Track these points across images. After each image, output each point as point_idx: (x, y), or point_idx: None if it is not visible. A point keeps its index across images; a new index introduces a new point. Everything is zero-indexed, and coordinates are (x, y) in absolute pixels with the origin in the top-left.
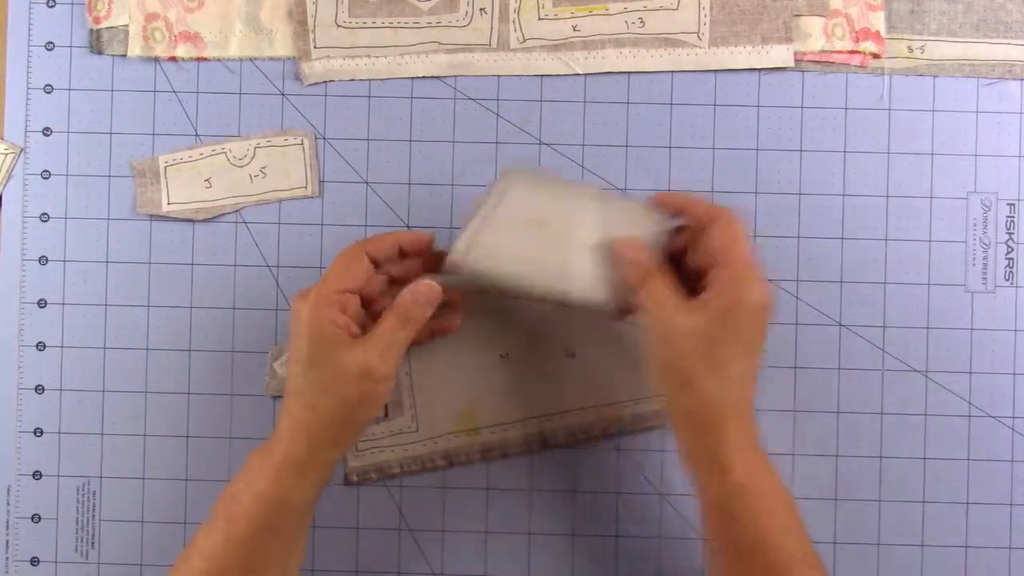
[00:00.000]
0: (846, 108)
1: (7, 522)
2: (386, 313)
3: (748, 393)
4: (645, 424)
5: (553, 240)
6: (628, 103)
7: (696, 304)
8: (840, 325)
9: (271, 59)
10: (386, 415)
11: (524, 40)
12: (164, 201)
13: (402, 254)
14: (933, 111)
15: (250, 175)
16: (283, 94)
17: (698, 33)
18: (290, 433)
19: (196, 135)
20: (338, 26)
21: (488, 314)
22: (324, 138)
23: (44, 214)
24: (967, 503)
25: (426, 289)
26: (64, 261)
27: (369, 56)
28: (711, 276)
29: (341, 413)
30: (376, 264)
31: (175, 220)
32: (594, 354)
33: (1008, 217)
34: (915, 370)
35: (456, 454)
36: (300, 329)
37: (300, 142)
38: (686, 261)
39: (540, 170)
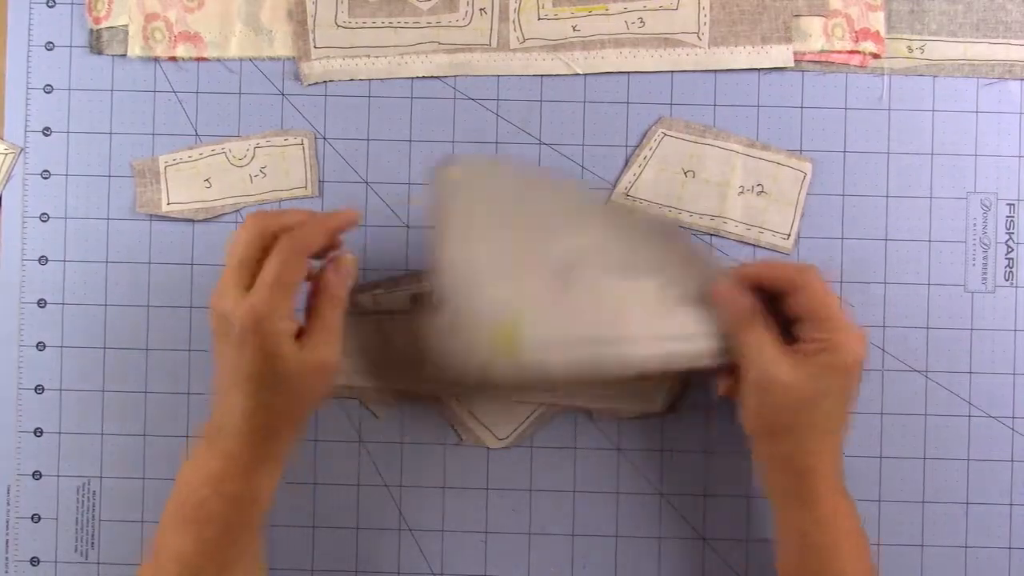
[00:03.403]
0: (846, 108)
1: (7, 522)
2: (320, 302)
3: (840, 439)
4: (700, 363)
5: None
6: (628, 103)
7: (798, 357)
8: None
9: (271, 59)
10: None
11: (524, 40)
12: (164, 201)
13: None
14: (933, 111)
15: (250, 175)
16: (283, 94)
17: (698, 33)
18: (248, 429)
19: (196, 135)
20: (338, 26)
21: (545, 228)
22: (324, 138)
23: (44, 214)
24: (967, 503)
25: (351, 266)
26: (64, 261)
27: (369, 56)
28: (808, 330)
29: (299, 408)
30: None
31: (175, 220)
32: (652, 283)
33: (1008, 217)
34: (915, 370)
35: (492, 369)
36: (244, 350)
37: (300, 142)
38: (778, 306)
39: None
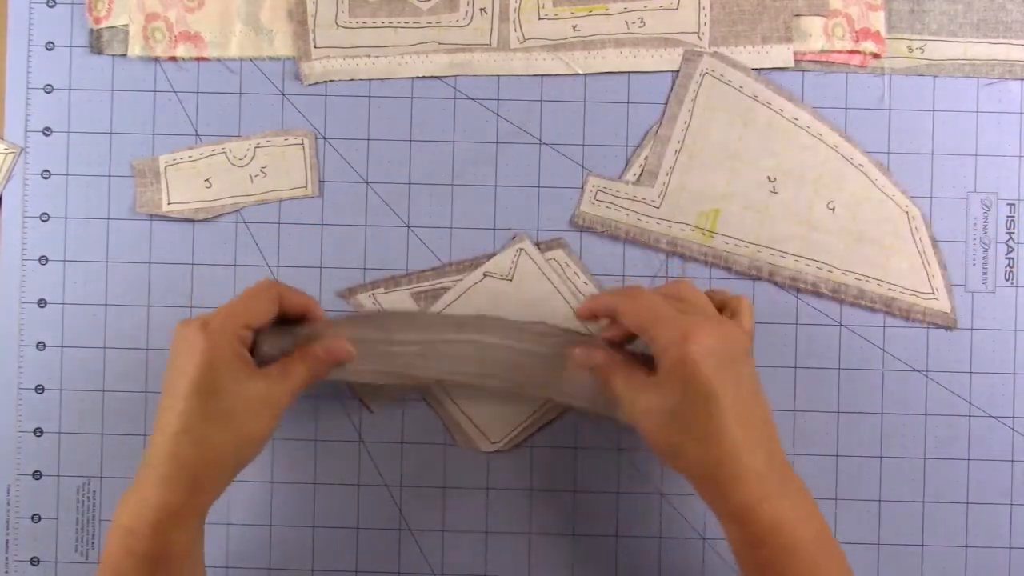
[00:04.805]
0: (846, 108)
1: (7, 522)
2: (298, 355)
3: (750, 436)
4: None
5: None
6: (628, 103)
7: (651, 380)
8: (840, 325)
9: (271, 59)
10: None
11: (524, 40)
12: (164, 201)
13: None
14: (933, 111)
15: (250, 175)
16: (283, 94)
17: (698, 33)
18: (170, 477)
19: (196, 135)
20: (338, 26)
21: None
22: (324, 138)
23: (44, 214)
24: (967, 503)
25: (344, 355)
26: (64, 261)
27: (369, 56)
28: (653, 349)
29: (233, 451)
30: (278, 311)
31: (175, 220)
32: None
33: (1008, 217)
34: (915, 370)
35: (684, 245)
36: (195, 358)
37: (300, 142)
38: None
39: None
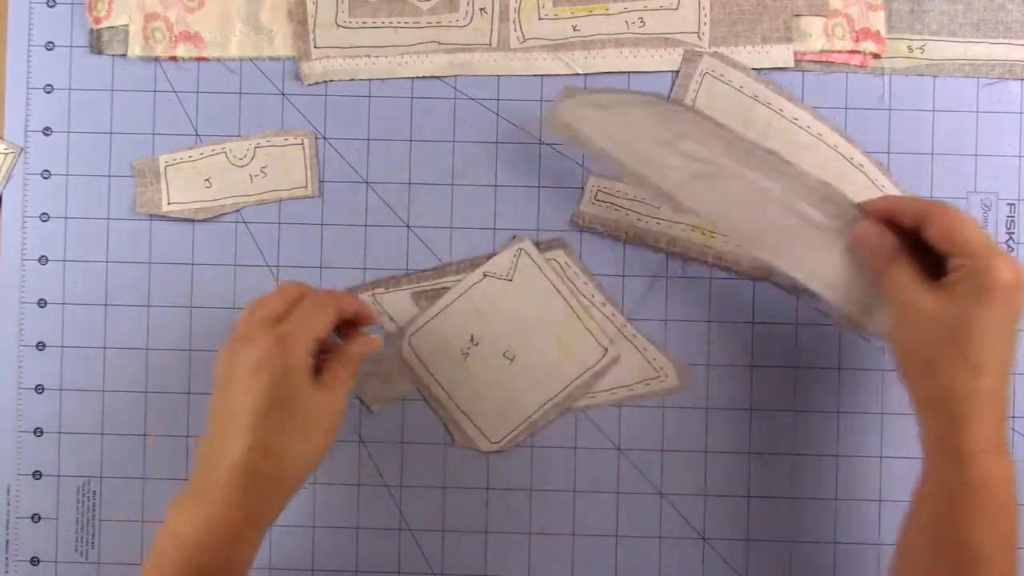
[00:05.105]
0: (846, 108)
1: (7, 522)
2: (338, 361)
3: (1002, 384)
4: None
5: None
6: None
7: (942, 288)
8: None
9: (271, 59)
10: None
11: (524, 40)
12: (164, 201)
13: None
14: (933, 111)
15: (250, 175)
16: (283, 94)
17: (698, 33)
18: (245, 493)
19: (196, 135)
20: (338, 26)
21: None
22: (324, 138)
23: (44, 214)
24: None
25: (376, 345)
26: (64, 261)
27: (369, 56)
28: (951, 259)
29: (306, 465)
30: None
31: (175, 220)
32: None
33: (1008, 217)
34: None
35: (684, 245)
36: (272, 373)
37: (300, 142)
38: (923, 246)
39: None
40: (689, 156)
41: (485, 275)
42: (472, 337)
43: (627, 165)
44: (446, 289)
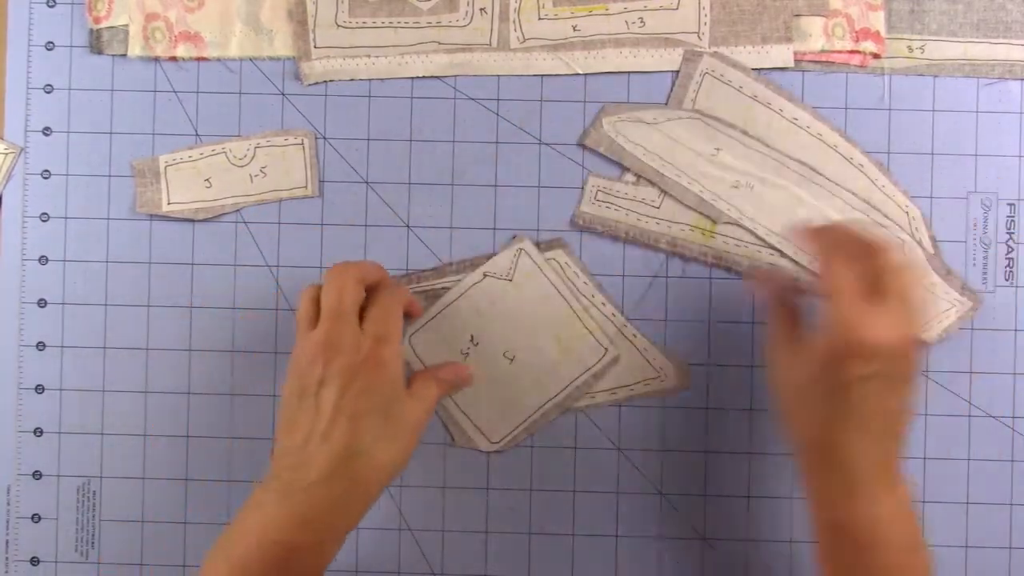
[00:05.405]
0: (846, 108)
1: (7, 522)
2: (432, 378)
3: (864, 443)
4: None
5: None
6: (628, 103)
7: (803, 346)
8: None
9: (271, 59)
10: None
11: (524, 40)
12: (164, 201)
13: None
14: (933, 111)
15: (250, 175)
16: (283, 94)
17: (698, 33)
18: (343, 496)
19: (196, 135)
20: (338, 26)
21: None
22: (324, 138)
23: (44, 214)
24: (967, 503)
25: (469, 377)
26: (64, 261)
27: (369, 56)
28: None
29: (395, 471)
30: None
31: (175, 220)
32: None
33: (1008, 217)
34: None
35: (684, 245)
36: (378, 380)
37: (300, 142)
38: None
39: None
40: (727, 167)
41: (485, 275)
42: (472, 337)
43: (669, 177)
44: (446, 289)
